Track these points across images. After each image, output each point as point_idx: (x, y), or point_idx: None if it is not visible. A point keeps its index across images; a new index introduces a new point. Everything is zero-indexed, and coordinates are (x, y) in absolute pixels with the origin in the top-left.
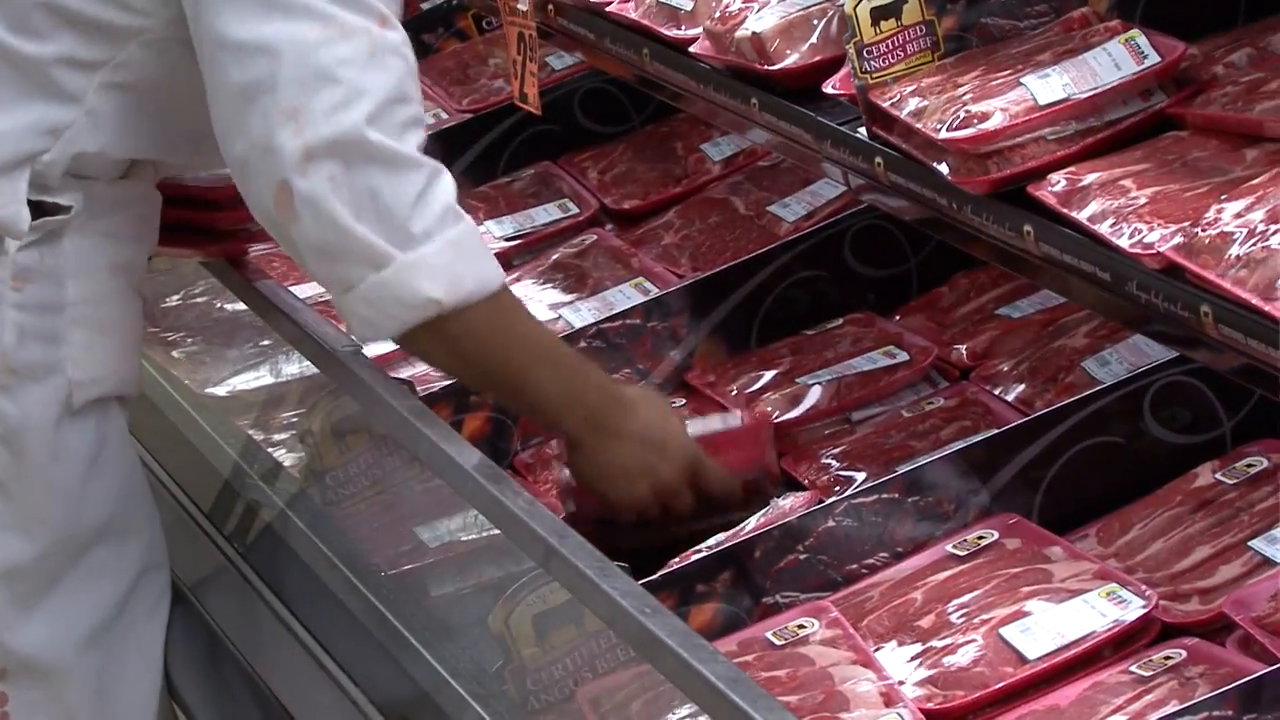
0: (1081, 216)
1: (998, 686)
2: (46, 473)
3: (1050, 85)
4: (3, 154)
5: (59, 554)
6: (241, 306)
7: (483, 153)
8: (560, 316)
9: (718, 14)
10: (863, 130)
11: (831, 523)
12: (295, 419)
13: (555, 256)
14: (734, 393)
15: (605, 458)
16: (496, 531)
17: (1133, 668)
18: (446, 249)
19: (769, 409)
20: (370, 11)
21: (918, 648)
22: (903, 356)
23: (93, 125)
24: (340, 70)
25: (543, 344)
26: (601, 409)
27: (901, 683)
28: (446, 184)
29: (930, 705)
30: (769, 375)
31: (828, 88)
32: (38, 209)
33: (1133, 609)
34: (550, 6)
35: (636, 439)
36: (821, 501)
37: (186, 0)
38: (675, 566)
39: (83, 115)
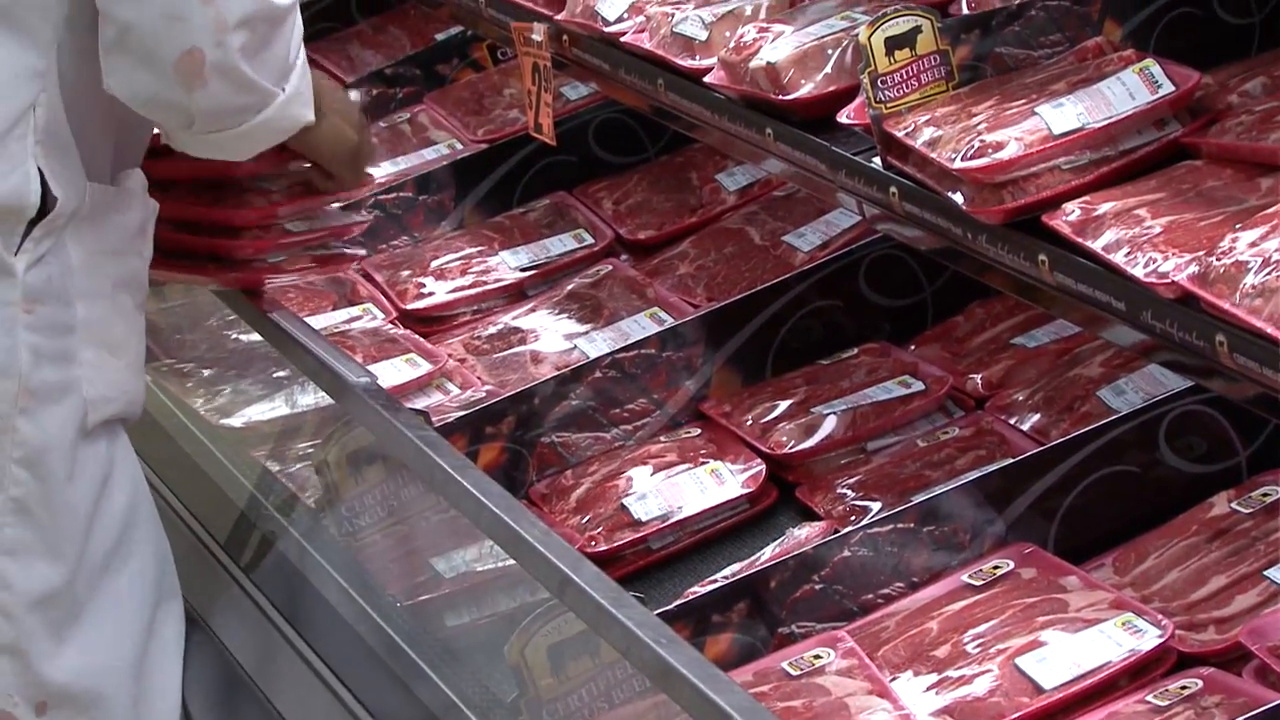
0: (1096, 246)
1: (1014, 716)
2: (65, 494)
3: (1065, 115)
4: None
5: (82, 579)
6: (256, 337)
7: (498, 183)
8: (575, 346)
9: (732, 44)
10: (877, 160)
11: (847, 553)
12: (310, 450)
13: (570, 287)
14: (749, 423)
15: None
16: (512, 562)
17: (1149, 697)
18: (303, 72)
19: (784, 439)
20: None
21: (934, 678)
22: (918, 386)
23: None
24: None
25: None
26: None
27: (917, 713)
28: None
29: None
30: (784, 405)
31: (842, 117)
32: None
33: (1149, 638)
34: (565, 37)
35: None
36: (837, 531)
37: None
38: (691, 597)
39: (52, 60)
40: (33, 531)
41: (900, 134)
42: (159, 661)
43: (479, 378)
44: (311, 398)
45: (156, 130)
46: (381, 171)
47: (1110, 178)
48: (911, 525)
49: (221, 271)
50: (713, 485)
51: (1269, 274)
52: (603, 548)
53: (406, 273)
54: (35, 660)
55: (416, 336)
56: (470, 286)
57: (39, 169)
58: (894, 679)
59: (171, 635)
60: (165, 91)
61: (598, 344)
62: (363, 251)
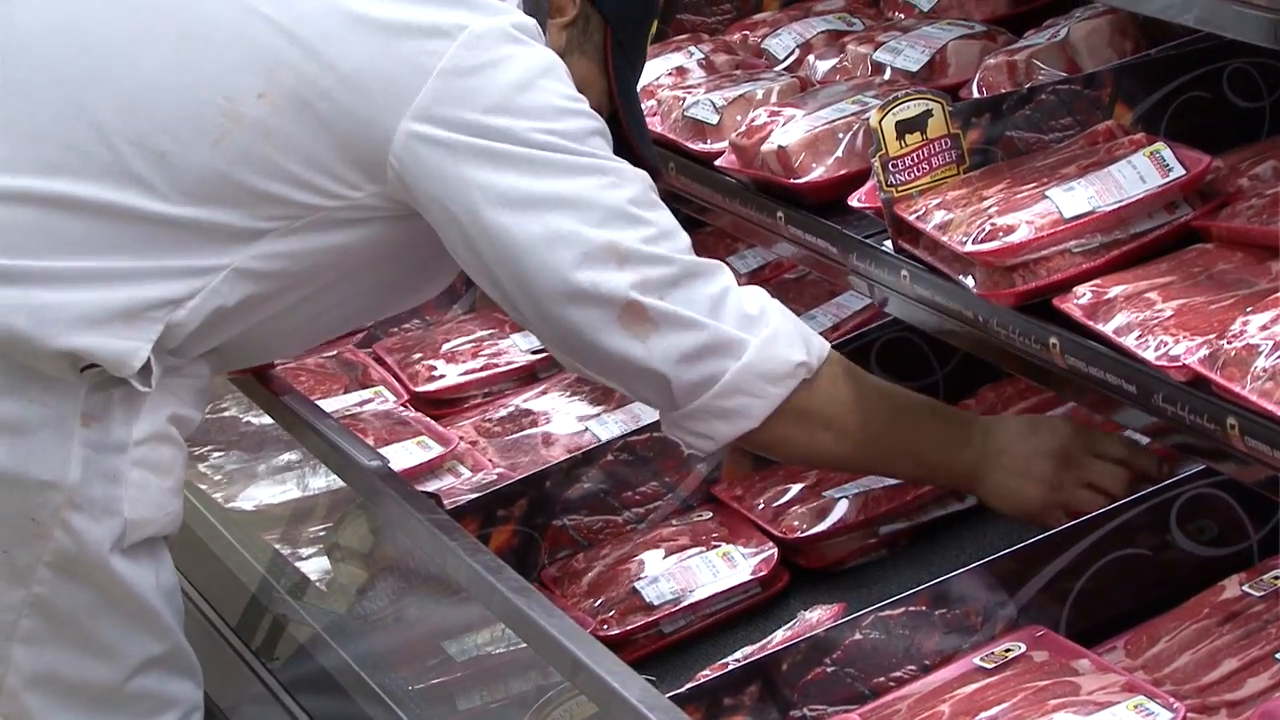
0: (1107, 329)
1: None
2: (91, 599)
3: (1075, 198)
4: (145, 295)
5: (99, 676)
6: (268, 420)
7: None
8: (587, 429)
9: (744, 127)
10: (889, 243)
11: (859, 635)
12: (322, 533)
13: None
14: (760, 506)
15: (1007, 480)
16: (523, 645)
17: None
18: (783, 319)
19: (796, 523)
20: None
21: None
22: None
23: (229, 288)
24: (632, 208)
25: (894, 390)
26: (982, 430)
27: None
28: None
29: None
30: (795, 489)
31: (854, 201)
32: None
33: None
34: None
35: (1026, 449)
36: (849, 614)
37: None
38: (703, 680)
39: (222, 279)
40: (50, 626)
41: (911, 217)
42: None
43: (491, 460)
44: (323, 480)
45: None
46: None
47: (1121, 261)
48: (923, 608)
49: None
50: (725, 569)
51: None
52: (615, 631)
53: (418, 356)
54: None
55: (428, 419)
56: (481, 369)
57: (150, 353)
58: None
59: None
60: (622, 348)
61: (609, 426)
62: None
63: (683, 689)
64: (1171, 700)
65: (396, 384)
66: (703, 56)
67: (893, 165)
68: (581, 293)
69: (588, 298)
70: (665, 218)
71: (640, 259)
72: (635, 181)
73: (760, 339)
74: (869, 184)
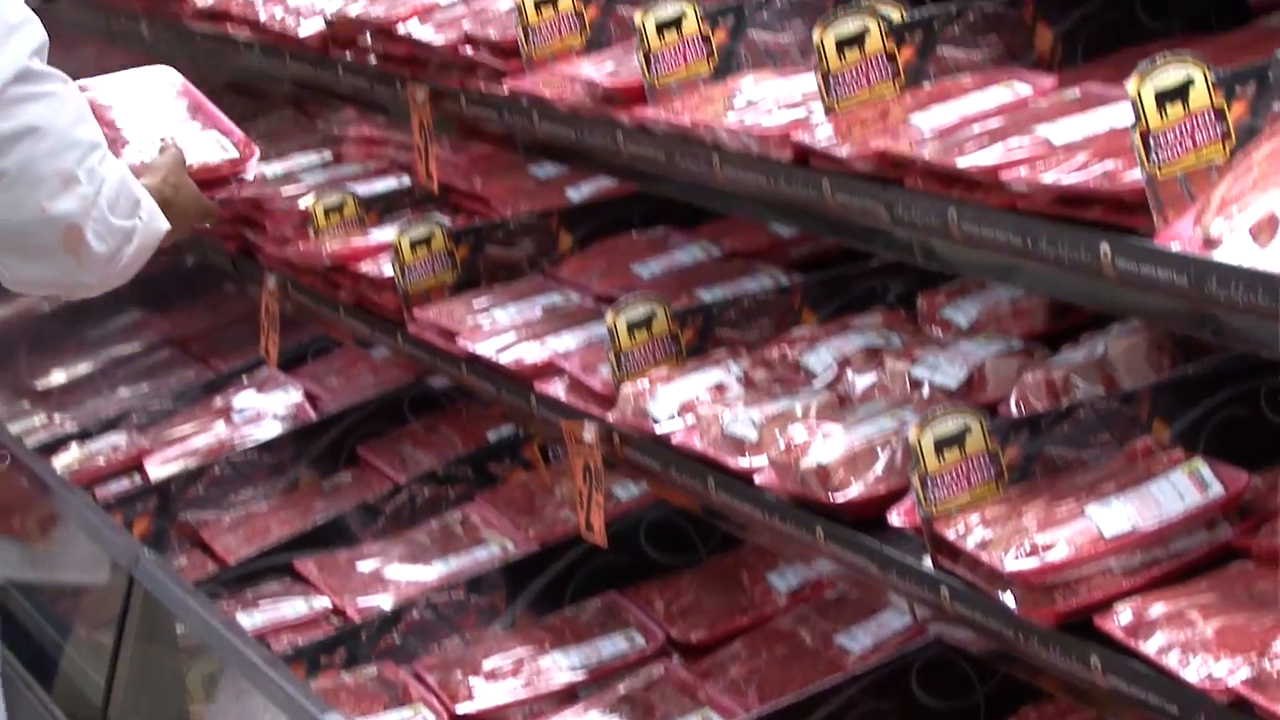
0: (1148, 649)
1: None
2: None
3: (1115, 516)
4: None
5: None
6: None
7: (549, 583)
8: None
9: (783, 444)
10: (928, 560)
11: None
12: None
13: (622, 690)
14: None
15: None
16: None
17: None
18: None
19: None
20: None
21: None
22: None
23: None
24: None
25: None
26: None
27: None
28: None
29: None
30: None
31: (893, 517)
32: None
33: None
34: (616, 437)
35: None
36: None
37: None
38: None
39: None
40: None
41: (951, 535)
42: None
43: None
44: None
45: None
46: (434, 572)
47: (1161, 579)
48: None
49: None
50: None
51: None
52: None
53: (458, 673)
54: None
55: None
56: (522, 687)
57: None
58: None
59: None
60: (57, 263)
61: None
62: None
63: None
64: None
65: (436, 702)
66: (741, 373)
67: (931, 482)
68: None
69: None
70: None
71: None
72: None
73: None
74: (908, 501)
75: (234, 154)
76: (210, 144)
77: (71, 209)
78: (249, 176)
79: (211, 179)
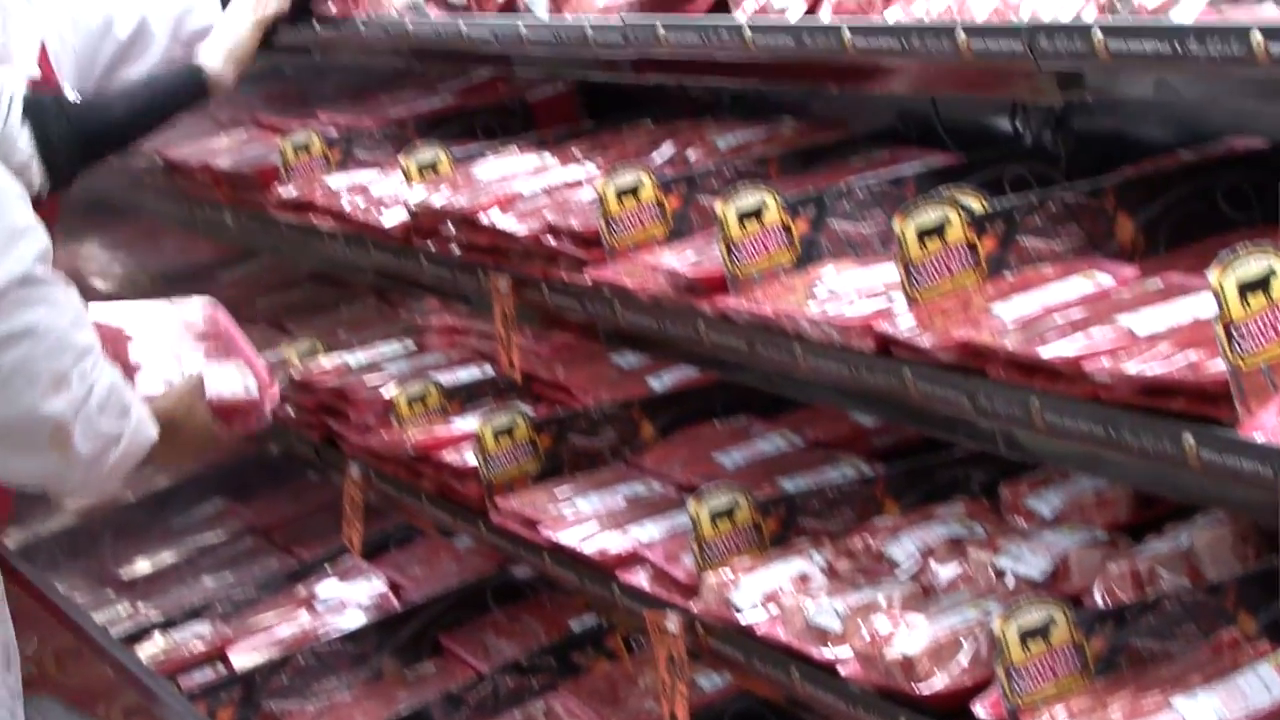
0: None
1: None
2: None
3: (1201, 708)
4: None
5: None
6: None
7: None
8: None
9: (867, 635)
10: None
11: None
12: None
13: None
14: None
15: None
16: None
17: None
18: (144, 406)
19: None
20: None
21: None
22: None
23: None
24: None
25: None
26: None
27: None
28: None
29: None
30: None
31: (978, 709)
32: None
33: None
34: (699, 627)
35: None
36: None
37: None
38: None
39: None
40: None
41: None
42: None
43: None
44: None
45: None
46: None
47: None
48: None
49: None
50: None
51: None
52: None
53: None
54: None
55: None
56: None
57: None
58: None
59: None
60: (48, 463)
61: None
62: None
63: None
64: None
65: None
66: (824, 563)
67: (1016, 673)
68: None
69: None
70: None
71: None
72: None
73: (131, 426)
74: (993, 692)
75: (254, 395)
76: (232, 378)
77: (62, 409)
78: (266, 413)
79: (228, 411)
